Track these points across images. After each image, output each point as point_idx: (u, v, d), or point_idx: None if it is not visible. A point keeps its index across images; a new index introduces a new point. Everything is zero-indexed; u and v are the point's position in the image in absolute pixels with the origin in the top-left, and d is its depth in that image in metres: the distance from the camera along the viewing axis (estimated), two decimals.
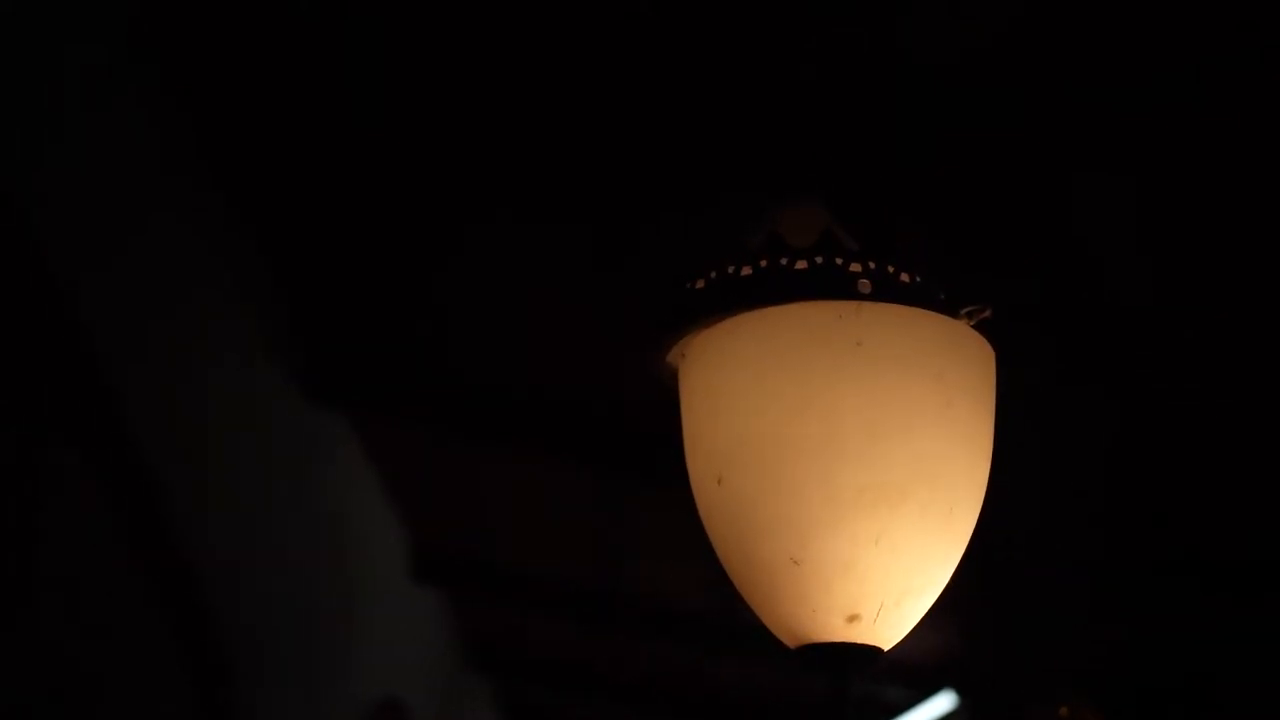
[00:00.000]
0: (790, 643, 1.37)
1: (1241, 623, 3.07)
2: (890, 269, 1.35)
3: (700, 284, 1.39)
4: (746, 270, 1.36)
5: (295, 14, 1.99)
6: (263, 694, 3.07)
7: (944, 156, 1.86)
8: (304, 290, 3.11)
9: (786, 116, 1.58)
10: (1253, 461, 2.62)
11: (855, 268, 1.34)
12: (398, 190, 2.57)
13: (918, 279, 1.36)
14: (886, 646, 1.38)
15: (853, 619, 1.33)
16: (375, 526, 4.17)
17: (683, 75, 1.87)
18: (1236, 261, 2.03)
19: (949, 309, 1.37)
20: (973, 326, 1.39)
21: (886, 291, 1.34)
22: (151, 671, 2.62)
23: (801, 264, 1.35)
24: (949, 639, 4.51)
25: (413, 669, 4.83)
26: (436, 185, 2.52)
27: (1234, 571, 3.06)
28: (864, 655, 1.35)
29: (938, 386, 1.32)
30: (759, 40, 1.71)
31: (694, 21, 1.78)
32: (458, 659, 5.75)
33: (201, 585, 2.72)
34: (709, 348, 1.38)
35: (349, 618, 3.87)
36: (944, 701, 4.42)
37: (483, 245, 2.75)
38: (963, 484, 1.34)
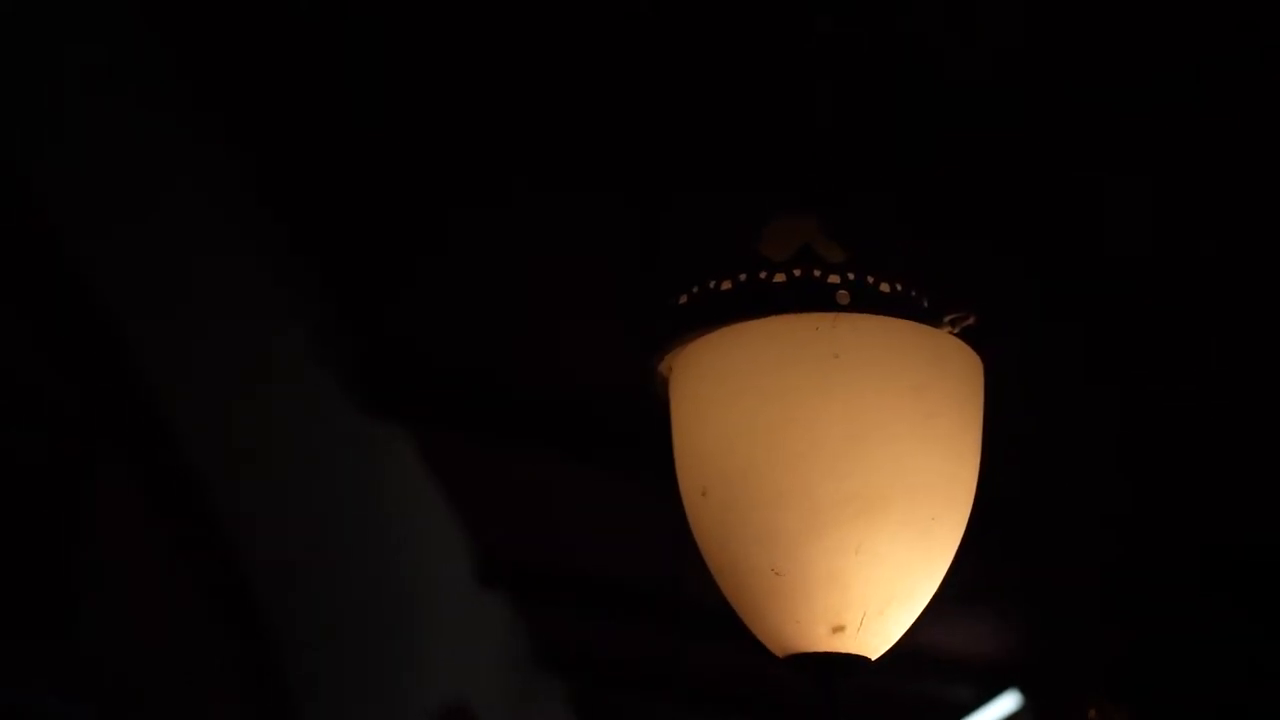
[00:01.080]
0: (778, 652, 1.38)
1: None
2: (870, 279, 1.36)
3: (684, 299, 1.41)
4: (727, 285, 1.38)
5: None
6: (318, 704, 3.14)
7: (946, 156, 1.85)
8: (355, 299, 3.16)
9: (777, 126, 1.58)
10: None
11: (833, 279, 1.35)
12: (450, 197, 2.58)
13: (899, 288, 1.37)
14: (874, 656, 1.38)
15: (838, 629, 1.34)
16: (438, 533, 4.23)
17: (681, 77, 1.88)
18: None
19: (931, 318, 1.38)
20: (957, 334, 1.39)
21: (865, 302, 1.34)
22: (206, 682, 2.69)
23: (780, 277, 1.36)
24: (1013, 639, 4.49)
25: (481, 672, 4.89)
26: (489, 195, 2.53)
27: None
28: (850, 664, 1.36)
29: (919, 397, 1.32)
30: (751, 45, 1.71)
31: (691, 24, 1.79)
32: (530, 661, 5.81)
33: (255, 595, 2.79)
34: (693, 362, 1.40)
35: (411, 623, 3.93)
36: (1009, 701, 4.39)
37: (542, 263, 2.78)
38: (945, 494, 1.34)
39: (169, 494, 2.54)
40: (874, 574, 1.31)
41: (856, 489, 1.30)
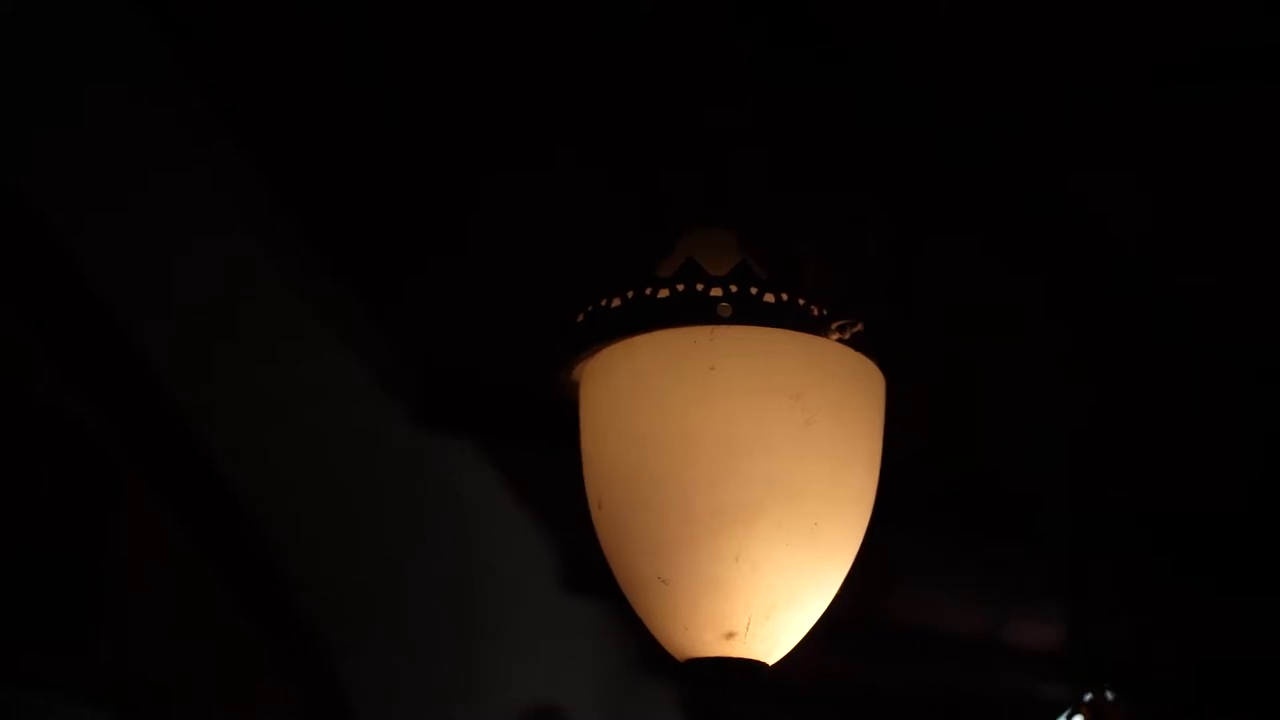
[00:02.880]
0: (677, 657, 1.42)
1: None
2: (753, 291, 1.39)
3: (581, 317, 1.46)
4: (616, 302, 1.42)
5: None
6: (375, 710, 3.24)
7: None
8: (409, 323, 3.24)
9: (700, 149, 1.62)
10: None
11: (716, 292, 1.38)
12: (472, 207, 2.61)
13: (784, 298, 1.39)
14: (770, 660, 1.41)
15: (729, 635, 1.37)
16: (514, 541, 4.32)
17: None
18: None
19: (818, 327, 1.40)
20: (845, 341, 1.41)
21: (747, 314, 1.37)
22: (250, 689, 2.81)
23: (664, 293, 1.40)
24: (1106, 636, 4.39)
25: (572, 676, 4.97)
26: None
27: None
28: (746, 669, 1.39)
29: (796, 404, 1.35)
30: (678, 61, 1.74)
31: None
32: (633, 666, 5.87)
33: (300, 606, 2.90)
34: (590, 378, 1.45)
35: (484, 630, 4.02)
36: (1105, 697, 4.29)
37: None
38: (829, 498, 1.36)
39: (213, 513, 2.66)
40: (755, 580, 1.34)
41: (731, 498, 1.33)
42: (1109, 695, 2.86)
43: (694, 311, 1.37)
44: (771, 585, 1.35)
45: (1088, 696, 2.96)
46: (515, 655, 4.30)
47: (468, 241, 2.70)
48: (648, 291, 1.40)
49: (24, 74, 1.98)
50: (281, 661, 2.83)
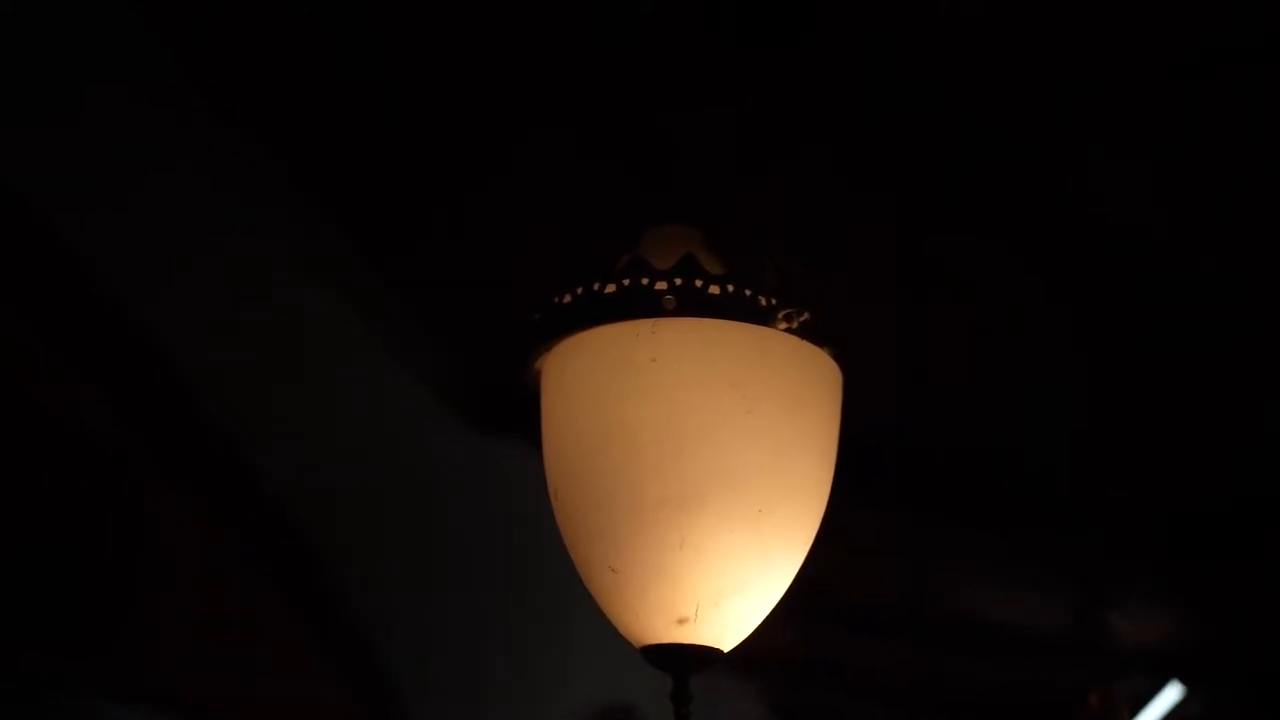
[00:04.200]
0: (634, 644, 1.45)
1: None
2: (698, 284, 1.41)
3: (536, 315, 1.49)
4: (568, 298, 1.45)
5: None
6: (432, 706, 3.30)
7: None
8: (457, 327, 3.28)
9: (661, 147, 1.64)
10: None
11: (661, 286, 1.41)
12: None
13: (730, 290, 1.41)
14: (725, 647, 1.44)
15: (682, 621, 1.40)
16: None
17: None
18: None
19: (763, 317, 1.42)
20: (793, 331, 1.42)
21: (691, 306, 1.40)
22: (294, 685, 2.88)
23: (611, 288, 1.43)
24: (1177, 629, 4.32)
25: (641, 674, 4.99)
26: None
27: None
28: (701, 655, 1.42)
29: (737, 394, 1.37)
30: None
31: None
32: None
33: (352, 607, 2.97)
34: (546, 372, 1.49)
35: (545, 633, 4.06)
36: (1173, 692, 4.22)
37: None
38: (774, 486, 1.38)
39: (249, 515, 2.74)
40: (701, 568, 1.36)
41: (674, 487, 1.35)
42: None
43: (639, 305, 1.40)
44: (718, 572, 1.37)
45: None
46: (577, 654, 4.34)
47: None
48: (595, 287, 1.43)
49: (27, 74, 2.05)
50: (326, 665, 2.90)
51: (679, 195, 1.59)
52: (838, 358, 1.48)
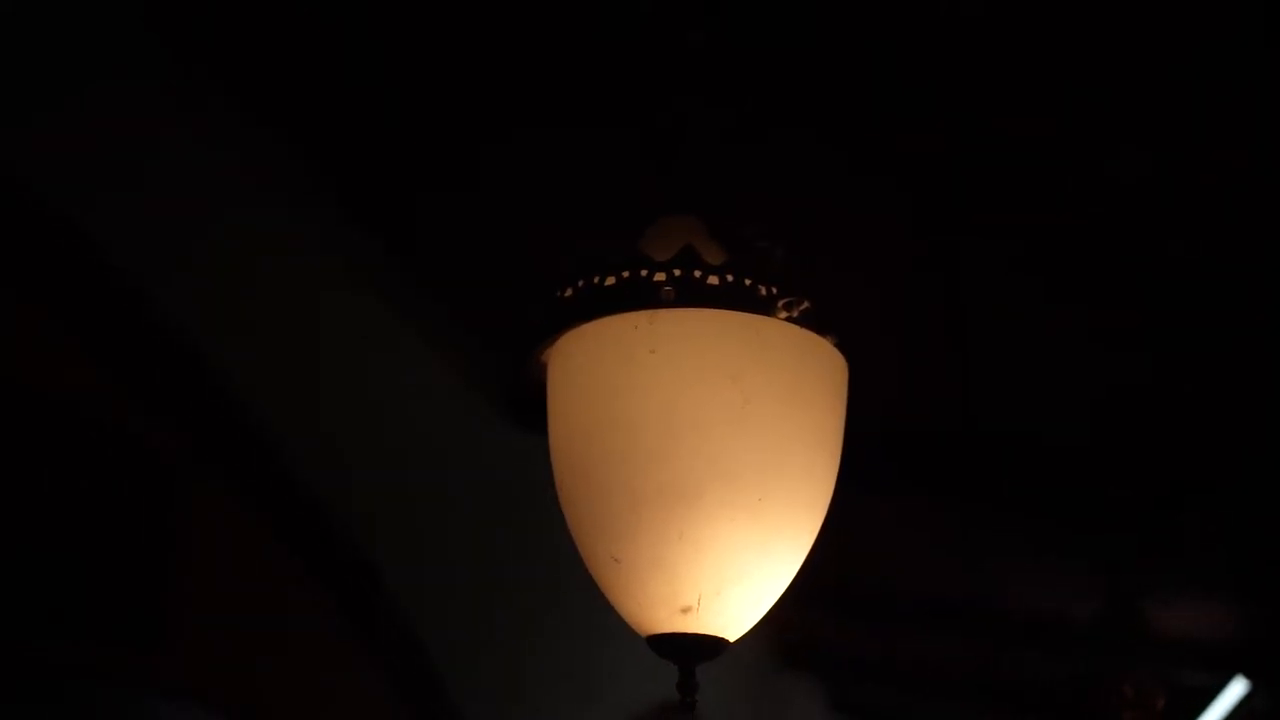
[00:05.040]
0: (640, 634, 1.45)
1: None
2: (697, 274, 1.41)
3: (540, 310, 1.50)
4: (569, 291, 1.46)
5: None
6: (482, 706, 3.33)
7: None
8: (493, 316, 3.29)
9: (665, 140, 1.64)
10: None
11: (660, 277, 1.41)
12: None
13: (729, 280, 1.41)
14: (730, 637, 1.44)
15: (686, 610, 1.40)
16: None
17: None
18: None
19: (762, 307, 1.41)
20: (794, 320, 1.42)
21: (688, 297, 1.40)
22: (340, 684, 2.92)
23: (610, 280, 1.43)
24: (1241, 623, 4.24)
25: (706, 672, 4.98)
26: None
27: None
28: (706, 645, 1.42)
29: (735, 384, 1.37)
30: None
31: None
32: (777, 661, 5.87)
33: (404, 623, 3.00)
34: (550, 365, 1.50)
35: (600, 629, 4.07)
36: (1238, 687, 4.15)
37: None
38: (773, 476, 1.38)
39: (294, 515, 2.78)
40: (701, 558, 1.37)
41: (672, 478, 1.36)
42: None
43: (638, 297, 1.40)
44: (718, 562, 1.37)
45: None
46: (633, 651, 4.35)
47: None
48: (595, 280, 1.44)
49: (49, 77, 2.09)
50: (371, 663, 2.93)
51: (683, 188, 1.59)
52: (842, 347, 1.47)
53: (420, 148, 2.31)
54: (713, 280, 1.41)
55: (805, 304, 1.43)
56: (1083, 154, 1.84)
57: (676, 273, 1.41)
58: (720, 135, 1.61)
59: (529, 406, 1.62)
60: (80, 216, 2.24)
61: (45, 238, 2.26)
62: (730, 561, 1.37)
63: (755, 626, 4.68)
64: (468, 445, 3.35)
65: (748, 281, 1.42)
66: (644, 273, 1.42)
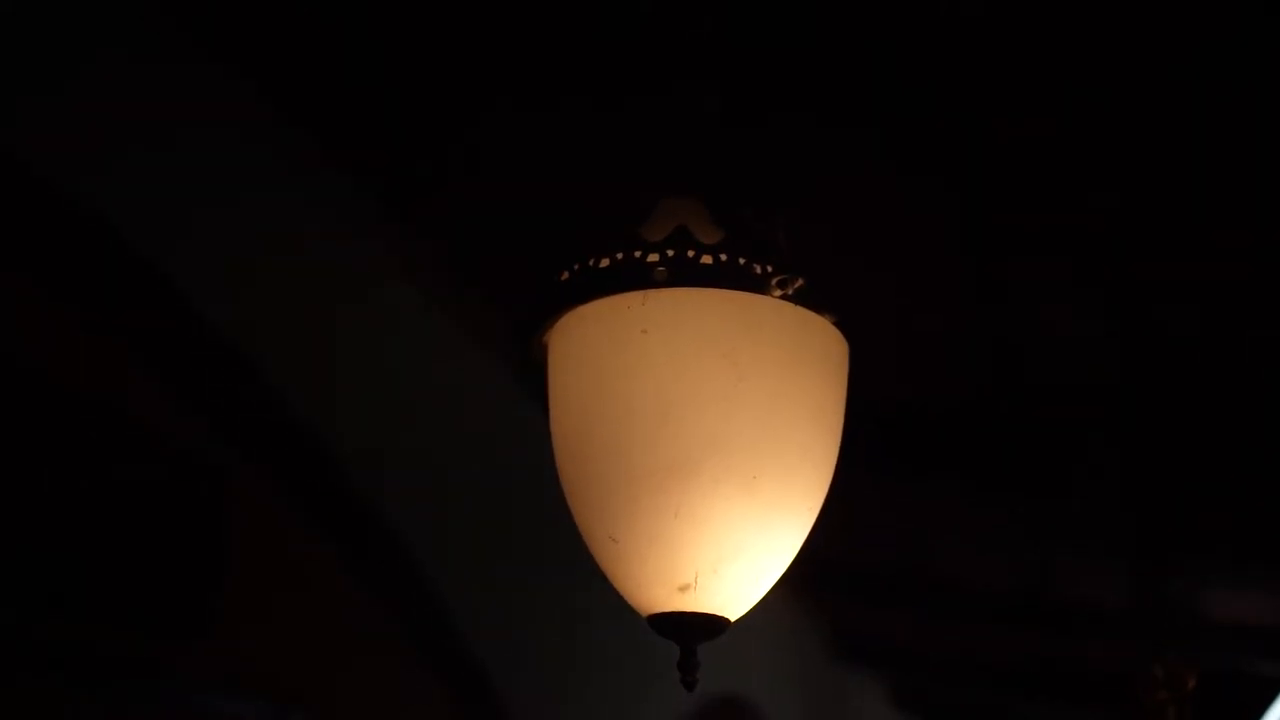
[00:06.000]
0: (640, 613, 1.46)
1: None
2: (690, 254, 1.42)
3: (538, 293, 1.52)
4: (565, 275, 1.47)
5: None
6: (524, 699, 3.35)
7: None
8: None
9: (669, 122, 1.65)
10: None
11: (653, 258, 1.42)
12: None
13: (723, 259, 1.42)
14: (731, 615, 1.44)
15: (684, 588, 1.40)
16: None
17: None
18: None
19: (756, 285, 1.41)
20: (788, 297, 1.42)
21: (682, 277, 1.40)
22: (391, 680, 2.96)
23: (604, 262, 1.44)
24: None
25: (758, 667, 4.98)
26: None
27: None
28: (706, 623, 1.42)
29: (729, 362, 1.37)
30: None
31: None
32: (830, 654, 5.85)
33: (444, 602, 3.03)
34: (550, 348, 1.51)
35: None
36: None
37: None
38: (768, 453, 1.38)
39: (342, 513, 2.82)
40: (695, 535, 1.37)
41: (666, 456, 1.36)
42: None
43: (631, 278, 1.41)
44: (714, 539, 1.37)
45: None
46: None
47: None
48: (590, 262, 1.45)
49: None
50: (420, 660, 2.96)
51: (684, 170, 1.60)
52: (840, 325, 1.47)
53: (435, 132, 2.34)
54: (706, 259, 1.41)
55: (800, 282, 1.43)
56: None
57: (670, 253, 1.41)
58: (722, 117, 1.62)
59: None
60: (123, 223, 2.29)
61: (89, 245, 2.32)
62: (727, 538, 1.38)
63: (811, 619, 4.69)
64: (513, 439, 3.37)
65: (742, 260, 1.42)
66: (637, 254, 1.43)
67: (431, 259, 2.92)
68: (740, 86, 1.71)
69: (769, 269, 1.43)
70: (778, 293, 1.42)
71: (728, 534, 1.38)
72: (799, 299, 1.43)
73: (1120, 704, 3.20)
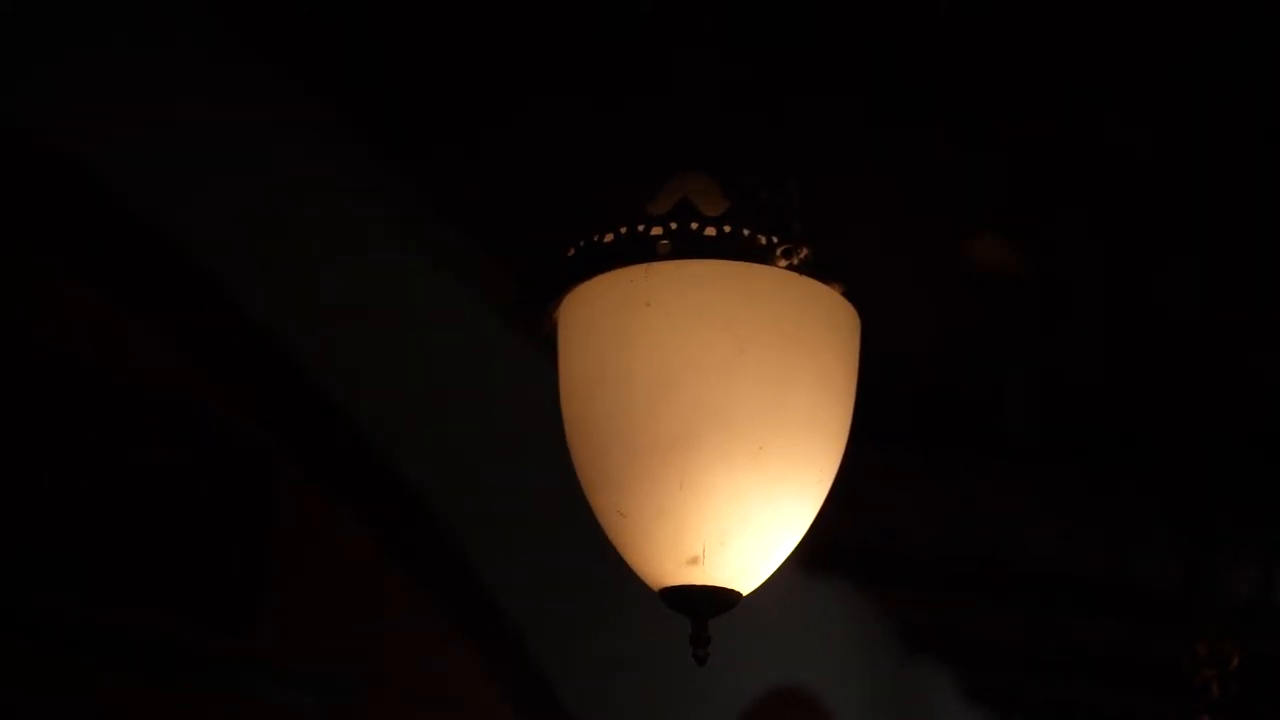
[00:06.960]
0: (652, 587, 1.46)
1: None
2: (693, 226, 1.41)
3: (545, 269, 1.52)
4: (571, 251, 1.48)
5: None
6: (580, 690, 3.35)
7: None
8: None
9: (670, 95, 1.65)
10: None
11: (656, 231, 1.42)
12: None
13: (726, 230, 1.41)
14: (743, 589, 1.43)
15: (693, 561, 1.40)
16: None
17: None
18: None
19: (761, 256, 1.41)
20: (794, 268, 1.41)
21: (684, 249, 1.40)
22: (441, 669, 2.98)
23: (608, 237, 1.44)
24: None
25: (818, 658, 4.96)
26: None
27: None
28: (717, 597, 1.42)
29: (730, 333, 1.37)
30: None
31: None
32: (895, 645, 5.80)
33: (508, 615, 3.04)
34: (559, 324, 1.51)
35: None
36: None
37: None
38: (773, 424, 1.37)
39: (390, 504, 2.85)
40: (700, 507, 1.36)
41: (669, 428, 1.36)
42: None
43: (634, 251, 1.41)
44: (720, 511, 1.36)
45: None
46: (745, 637, 4.34)
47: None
48: (595, 238, 1.45)
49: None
50: (468, 648, 2.98)
51: (695, 144, 1.59)
52: (849, 295, 1.45)
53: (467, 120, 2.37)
54: (709, 231, 1.41)
55: (805, 252, 1.41)
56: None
57: (672, 225, 1.41)
58: (732, 93, 1.61)
59: None
60: (165, 218, 2.33)
61: (133, 238, 2.36)
62: (733, 510, 1.37)
63: (877, 608, 4.63)
64: (556, 424, 3.38)
65: (746, 231, 1.41)
66: (640, 227, 1.42)
67: (473, 247, 2.94)
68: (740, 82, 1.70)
69: (774, 240, 1.42)
70: (783, 263, 1.41)
71: (734, 506, 1.37)
72: (805, 269, 1.41)
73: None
